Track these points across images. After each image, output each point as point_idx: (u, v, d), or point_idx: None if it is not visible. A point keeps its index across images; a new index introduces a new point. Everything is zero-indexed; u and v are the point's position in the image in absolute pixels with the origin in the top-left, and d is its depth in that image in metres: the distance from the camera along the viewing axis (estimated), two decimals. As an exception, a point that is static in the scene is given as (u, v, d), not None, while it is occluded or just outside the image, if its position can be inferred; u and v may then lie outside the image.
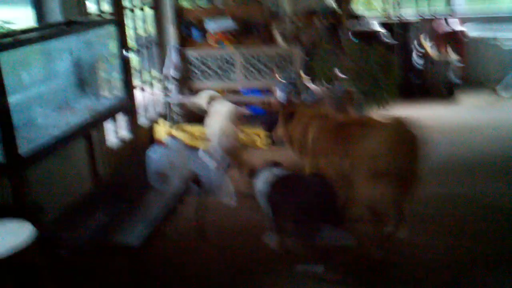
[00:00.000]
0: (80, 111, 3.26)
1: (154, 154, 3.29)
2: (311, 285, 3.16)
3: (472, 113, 6.85)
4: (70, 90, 3.35)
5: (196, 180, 3.60)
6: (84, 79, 3.48)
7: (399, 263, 3.31)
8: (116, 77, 3.69)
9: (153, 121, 6.11)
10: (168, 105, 6.29)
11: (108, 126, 4.57)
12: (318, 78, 6.12)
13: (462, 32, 7.94)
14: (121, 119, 5.48)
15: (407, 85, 7.85)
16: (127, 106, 3.77)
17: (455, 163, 5.07)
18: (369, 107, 6.02)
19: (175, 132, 5.85)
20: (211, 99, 4.98)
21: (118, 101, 3.64)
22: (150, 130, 5.98)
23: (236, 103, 5.15)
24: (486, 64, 8.09)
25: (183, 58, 6.47)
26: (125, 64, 3.70)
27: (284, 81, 5.94)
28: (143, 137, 5.69)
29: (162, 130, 5.95)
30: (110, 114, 3.57)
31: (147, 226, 2.80)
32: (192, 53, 6.54)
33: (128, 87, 3.72)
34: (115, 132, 4.95)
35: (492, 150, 5.38)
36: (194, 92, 6.56)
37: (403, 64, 7.93)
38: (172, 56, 6.33)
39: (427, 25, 7.76)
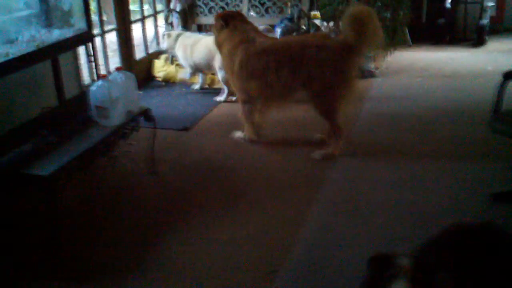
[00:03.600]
0: (24, 43, 3.23)
1: (93, 88, 3.26)
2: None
3: (494, 59, 6.30)
4: (15, 22, 3.31)
5: (147, 114, 3.57)
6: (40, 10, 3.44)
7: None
8: (76, 7, 3.62)
9: (152, 56, 6.07)
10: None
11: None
12: (324, 16, 5.79)
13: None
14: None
15: (431, 27, 7.34)
16: (87, 38, 3.72)
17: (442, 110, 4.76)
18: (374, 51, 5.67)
19: (168, 67, 5.84)
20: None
21: (76, 33, 3.58)
22: (147, 65, 5.96)
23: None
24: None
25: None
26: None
27: (285, 17, 5.68)
28: (138, 72, 5.68)
29: (160, 66, 5.92)
30: (64, 46, 3.53)
31: (65, 158, 2.82)
32: (198, -14, 6.36)
33: (88, 18, 3.65)
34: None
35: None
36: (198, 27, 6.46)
37: (430, 4, 7.39)
38: (176, -11, 6.19)
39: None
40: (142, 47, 6.01)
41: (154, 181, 3.61)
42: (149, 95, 5.47)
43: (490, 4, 7.08)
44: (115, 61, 5.67)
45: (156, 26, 6.32)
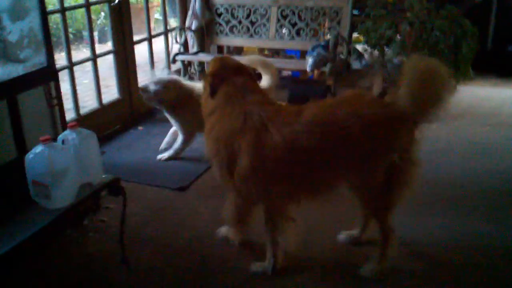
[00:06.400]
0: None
1: (29, 156, 2.30)
2: None
3: None
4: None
5: (112, 187, 2.58)
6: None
7: None
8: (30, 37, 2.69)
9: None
10: (183, 62, 5.25)
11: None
12: (369, 42, 4.72)
13: None
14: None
15: (499, 55, 6.13)
16: (47, 76, 2.78)
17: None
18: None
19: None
20: None
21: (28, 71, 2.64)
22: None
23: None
24: None
25: (208, 6, 5.33)
26: (45, 21, 2.67)
27: (319, 44, 4.62)
28: (140, 102, 4.74)
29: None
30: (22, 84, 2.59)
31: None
32: (219, 1, 5.37)
33: (48, 49, 2.71)
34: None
35: None
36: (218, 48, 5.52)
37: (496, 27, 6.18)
38: (192, 3, 5.24)
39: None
40: (146, 71, 5.10)
41: (123, 274, 2.61)
42: (149, 133, 4.51)
43: None
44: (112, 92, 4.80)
45: (167, 47, 5.38)
